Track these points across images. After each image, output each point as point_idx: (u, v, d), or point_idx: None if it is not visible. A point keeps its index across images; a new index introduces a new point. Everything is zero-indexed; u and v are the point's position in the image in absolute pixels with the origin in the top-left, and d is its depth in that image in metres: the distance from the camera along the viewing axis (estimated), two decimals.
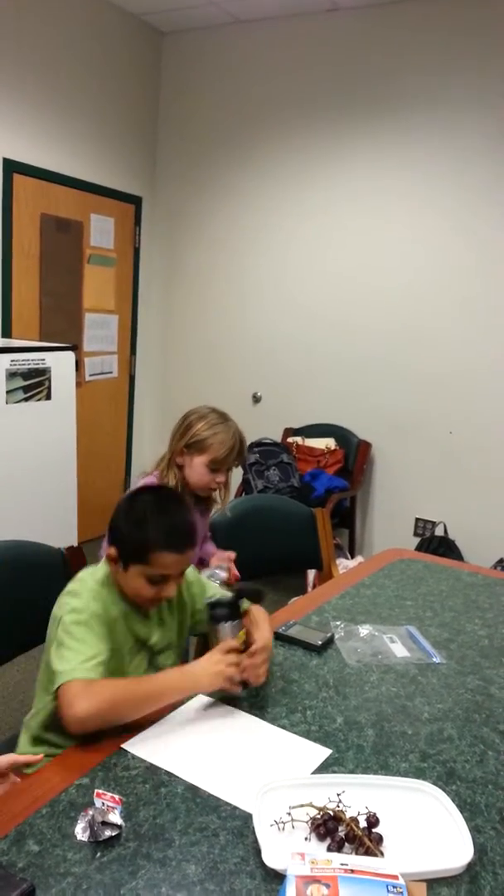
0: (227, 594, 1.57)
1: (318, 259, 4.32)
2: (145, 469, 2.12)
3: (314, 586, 2.20)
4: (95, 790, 1.06)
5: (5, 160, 3.73)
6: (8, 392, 3.09)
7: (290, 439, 4.32)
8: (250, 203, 4.50)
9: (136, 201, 4.69)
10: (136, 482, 2.02)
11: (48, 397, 3.32)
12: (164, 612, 1.55)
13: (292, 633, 1.70)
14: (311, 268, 4.35)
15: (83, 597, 1.38)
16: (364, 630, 1.76)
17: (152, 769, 1.17)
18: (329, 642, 1.68)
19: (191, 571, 1.61)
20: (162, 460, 2.04)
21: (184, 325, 4.92)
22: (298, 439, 4.28)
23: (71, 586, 1.43)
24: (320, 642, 1.65)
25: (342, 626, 1.78)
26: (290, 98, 4.28)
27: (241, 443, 2.00)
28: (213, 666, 1.34)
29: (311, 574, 3.50)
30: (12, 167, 3.78)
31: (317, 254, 4.32)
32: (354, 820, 1.04)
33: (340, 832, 1.03)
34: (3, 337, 3.84)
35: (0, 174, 3.70)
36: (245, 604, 1.52)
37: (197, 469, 1.97)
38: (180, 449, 1.98)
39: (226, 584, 1.84)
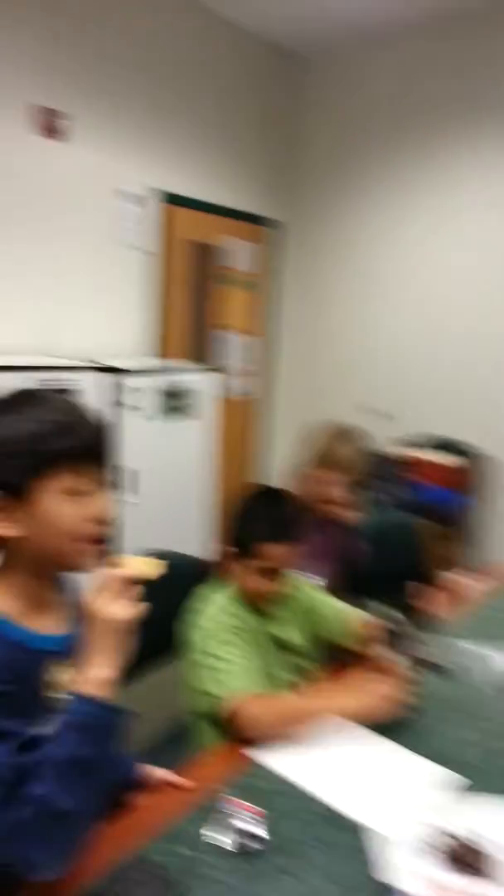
0: (416, 633, 1.58)
1: (457, 275, 4.23)
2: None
3: (435, 605, 2.14)
4: (240, 801, 1.12)
5: (162, 192, 3.96)
6: (160, 410, 3.30)
7: (411, 453, 4.26)
8: (390, 226, 4.49)
9: (277, 226, 4.82)
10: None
11: (194, 415, 3.49)
12: (293, 613, 1.61)
13: (422, 656, 1.70)
14: (450, 284, 4.27)
15: (215, 617, 1.47)
16: (497, 654, 1.73)
17: (291, 784, 1.22)
18: (461, 665, 1.67)
19: (316, 592, 1.68)
20: (293, 478, 2.08)
21: (318, 345, 4.98)
22: (422, 454, 4.22)
23: (199, 608, 1.51)
24: (449, 665, 1.65)
25: (472, 648, 1.76)
26: (435, 119, 4.23)
27: (359, 460, 2.01)
28: (375, 686, 1.38)
29: (432, 591, 3.42)
30: (168, 198, 4.00)
31: (456, 270, 4.24)
32: (491, 850, 1.03)
33: (476, 864, 1.03)
34: (156, 358, 4.06)
35: (157, 205, 3.94)
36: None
37: (320, 482, 1.99)
38: (307, 462, 2.02)
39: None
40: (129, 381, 3.16)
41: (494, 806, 1.19)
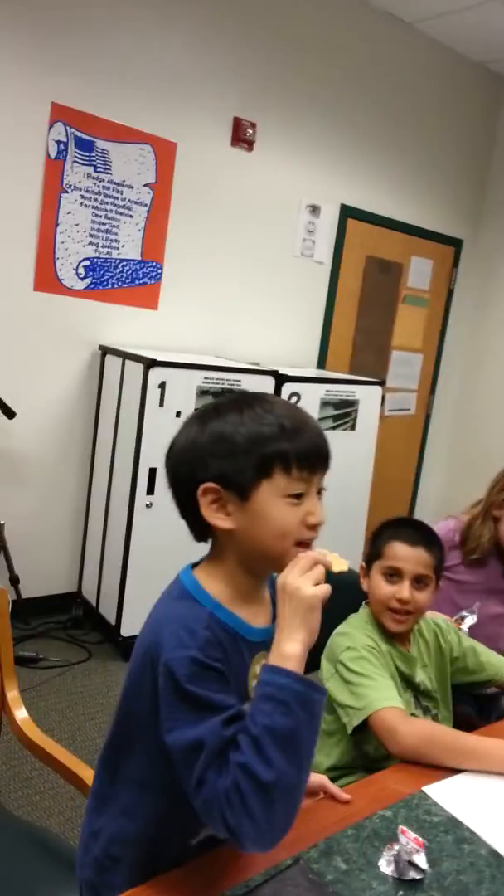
0: None
1: None
2: (452, 512, 2.08)
3: None
4: (400, 827, 1.08)
5: (342, 206, 3.98)
6: (320, 419, 3.29)
7: None
8: None
9: (456, 244, 4.69)
10: (437, 524, 1.97)
11: (353, 427, 3.46)
12: (423, 654, 1.54)
13: None
14: None
15: (354, 635, 1.43)
16: None
17: (454, 821, 1.15)
18: None
19: (442, 621, 1.62)
20: (475, 507, 1.98)
21: (488, 368, 4.78)
22: None
23: (341, 627, 1.49)
24: None
25: None
26: None
27: None
28: None
29: None
30: (347, 212, 4.02)
31: None
32: None
33: None
34: (318, 368, 4.08)
35: (336, 219, 3.96)
36: None
37: None
38: (500, 501, 1.89)
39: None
40: (289, 387, 3.19)
41: None
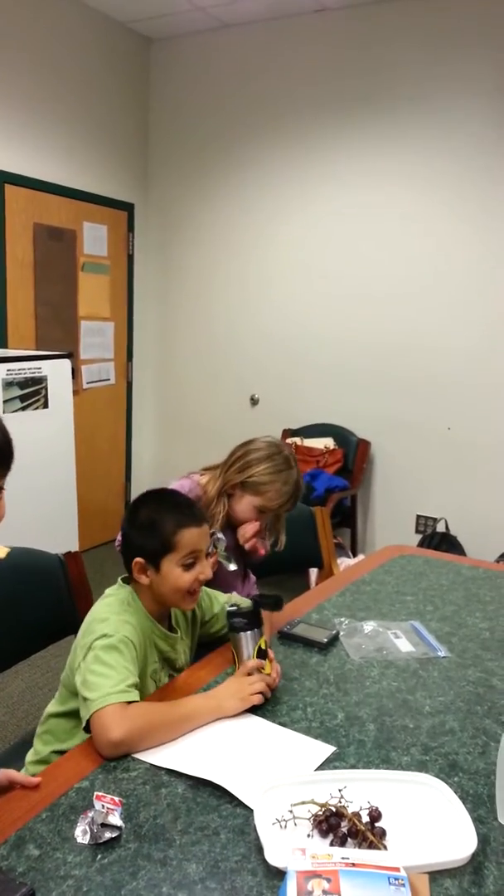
0: (246, 602, 1.57)
1: (311, 259, 4.32)
2: (191, 470, 2.01)
3: (316, 585, 2.18)
4: (95, 793, 1.06)
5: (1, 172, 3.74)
6: (5, 401, 3.10)
7: (288, 440, 4.32)
8: (243, 206, 4.51)
9: (128, 208, 4.70)
10: (172, 483, 1.93)
11: (45, 406, 3.32)
12: (182, 628, 1.55)
13: (298, 632, 1.69)
14: (306, 268, 4.35)
15: (112, 621, 1.37)
16: (368, 626, 1.75)
17: (152, 770, 1.16)
18: (334, 639, 1.68)
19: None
20: (212, 474, 1.94)
21: (180, 330, 4.93)
22: (297, 440, 4.28)
23: (97, 610, 1.42)
24: (325, 640, 1.65)
25: (346, 623, 1.77)
26: (280, 100, 4.29)
27: (297, 491, 1.88)
28: (238, 692, 1.34)
29: (313, 573, 3.50)
30: (3, 178, 3.78)
31: (310, 254, 4.32)
32: (357, 815, 1.03)
33: (343, 828, 1.02)
34: None
35: None
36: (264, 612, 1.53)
37: (245, 506, 1.86)
38: (238, 482, 1.87)
39: (230, 557, 1.80)
40: None
41: (356, 772, 1.20)
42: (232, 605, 1.54)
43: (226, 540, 1.82)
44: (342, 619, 1.79)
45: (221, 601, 1.66)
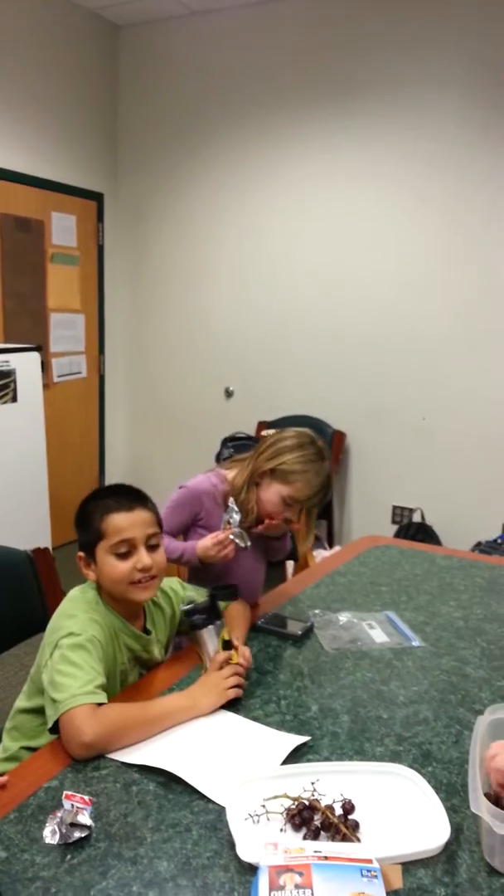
0: (201, 597, 1.54)
1: (284, 250, 4.30)
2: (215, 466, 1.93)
3: (292, 577, 2.17)
4: (64, 792, 1.04)
5: None
6: None
7: (263, 432, 4.30)
8: (214, 194, 4.47)
9: (97, 198, 4.64)
10: (196, 478, 1.86)
11: (14, 399, 3.26)
12: (159, 627, 1.52)
13: (272, 625, 1.68)
14: (279, 257, 4.33)
15: (79, 619, 1.33)
16: (343, 618, 1.75)
17: (123, 768, 1.15)
18: (309, 632, 1.67)
19: (175, 583, 1.61)
20: (240, 465, 1.85)
21: (152, 322, 4.88)
22: (272, 432, 4.26)
23: (65, 608, 1.38)
24: (300, 632, 1.64)
25: (320, 614, 1.77)
26: (250, 88, 4.25)
27: (328, 485, 1.79)
28: (213, 688, 1.32)
29: (290, 566, 3.49)
30: None
31: (283, 245, 4.30)
32: (330, 808, 1.02)
33: (316, 821, 1.02)
34: None
35: None
36: (222, 604, 1.51)
37: (272, 496, 1.75)
38: (265, 470, 1.78)
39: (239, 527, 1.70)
40: None
41: (329, 764, 1.20)
42: (188, 604, 1.50)
43: (239, 514, 1.72)
44: (316, 611, 1.78)
45: (202, 593, 1.62)
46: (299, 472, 1.72)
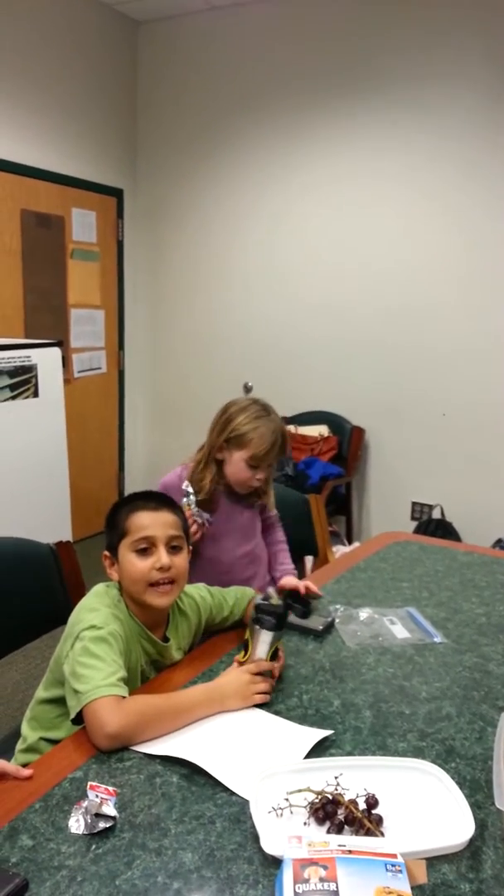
0: (278, 601, 1.49)
1: (304, 244, 4.29)
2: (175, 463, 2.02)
3: (311, 573, 2.17)
4: (89, 783, 1.04)
5: None
6: None
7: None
8: (234, 190, 4.47)
9: (117, 194, 4.65)
10: (163, 479, 1.97)
11: (35, 395, 3.29)
12: (181, 636, 1.52)
13: (293, 620, 1.68)
14: (298, 253, 4.32)
15: (102, 613, 1.34)
16: (364, 613, 1.74)
17: (147, 759, 1.15)
18: (330, 626, 1.67)
19: (204, 590, 1.61)
20: (199, 453, 1.94)
21: (171, 317, 4.89)
22: (291, 428, 4.26)
23: (88, 601, 1.39)
24: (321, 627, 1.64)
25: (341, 609, 1.76)
26: (269, 82, 4.24)
27: (283, 437, 1.88)
28: (244, 688, 1.31)
29: (309, 561, 3.48)
30: None
31: (302, 239, 4.29)
32: (353, 802, 1.02)
33: (340, 815, 1.02)
34: None
35: None
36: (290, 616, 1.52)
37: (236, 465, 1.85)
38: (220, 444, 1.87)
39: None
40: None
41: (352, 759, 1.19)
42: (263, 598, 1.46)
43: (194, 493, 1.86)
44: (337, 607, 1.78)
45: (230, 602, 1.62)
46: (251, 430, 1.82)
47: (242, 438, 1.83)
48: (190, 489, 1.83)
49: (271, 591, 1.54)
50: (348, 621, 1.70)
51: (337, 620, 1.70)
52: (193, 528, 1.80)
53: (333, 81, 4.03)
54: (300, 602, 1.56)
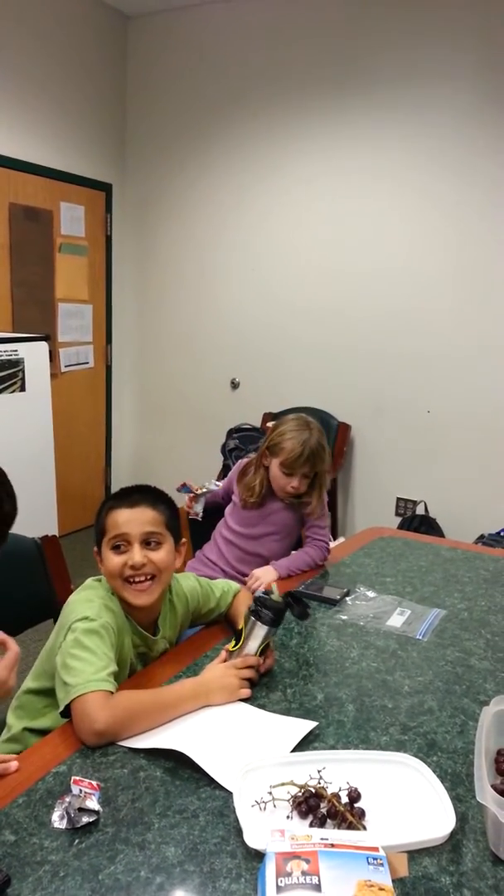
0: (279, 598, 1.49)
1: (290, 242, 4.29)
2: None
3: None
4: (73, 777, 1.04)
5: None
6: None
7: (269, 424, 4.30)
8: (223, 186, 4.46)
9: (106, 188, 4.63)
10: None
11: (22, 389, 3.27)
12: (168, 629, 1.52)
13: (311, 591, 1.85)
14: (285, 252, 4.32)
15: (95, 604, 1.35)
16: (372, 593, 1.88)
17: (131, 753, 1.16)
18: (345, 597, 1.83)
19: (193, 579, 1.62)
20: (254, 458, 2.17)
21: (159, 313, 4.88)
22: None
23: (82, 593, 1.40)
24: (338, 597, 1.81)
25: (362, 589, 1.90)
26: (259, 78, 4.23)
27: (314, 449, 2.02)
28: (228, 680, 1.32)
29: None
30: None
31: (289, 236, 4.29)
32: (336, 796, 1.03)
33: (322, 809, 1.02)
34: None
35: None
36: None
37: (274, 471, 2.06)
38: (264, 450, 2.09)
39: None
40: None
41: (335, 753, 1.20)
42: (265, 592, 1.46)
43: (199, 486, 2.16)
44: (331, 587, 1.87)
45: (217, 595, 1.63)
46: (285, 439, 2.04)
47: (277, 447, 2.05)
48: (190, 483, 2.09)
49: (274, 586, 1.55)
50: (359, 597, 1.85)
51: (350, 598, 1.83)
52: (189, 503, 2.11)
53: (325, 77, 4.03)
54: (299, 603, 1.56)
